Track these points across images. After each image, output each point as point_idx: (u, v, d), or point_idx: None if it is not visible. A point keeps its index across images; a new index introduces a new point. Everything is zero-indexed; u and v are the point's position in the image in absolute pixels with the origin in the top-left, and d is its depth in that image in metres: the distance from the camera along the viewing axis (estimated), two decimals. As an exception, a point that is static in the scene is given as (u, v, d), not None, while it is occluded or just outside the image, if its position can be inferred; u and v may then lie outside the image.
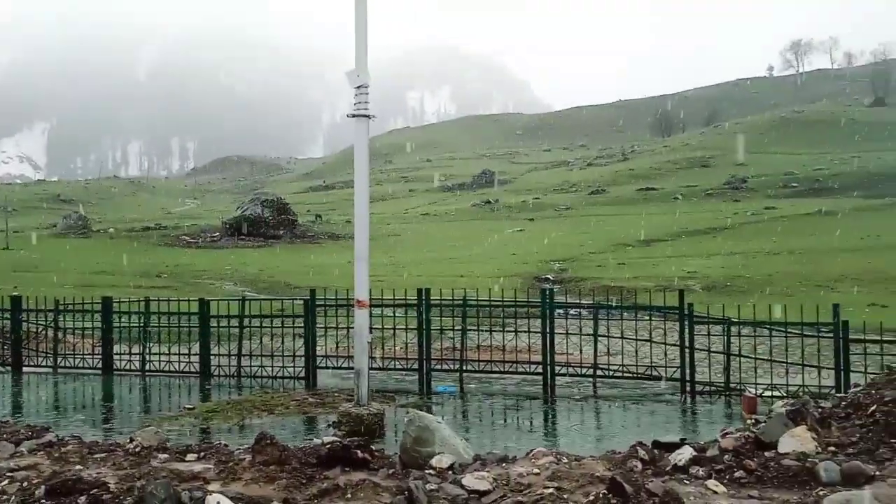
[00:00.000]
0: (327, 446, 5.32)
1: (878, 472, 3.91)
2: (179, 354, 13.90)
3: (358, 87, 9.50)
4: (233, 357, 13.75)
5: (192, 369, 13.71)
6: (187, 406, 11.22)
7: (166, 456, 5.53)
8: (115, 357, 14.30)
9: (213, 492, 4.44)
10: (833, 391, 10.13)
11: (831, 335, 11.53)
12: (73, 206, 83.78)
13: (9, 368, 14.67)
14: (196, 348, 13.81)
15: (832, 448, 4.39)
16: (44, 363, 14.83)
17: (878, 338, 11.54)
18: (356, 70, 9.51)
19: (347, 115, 9.78)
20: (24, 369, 14.63)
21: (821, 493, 3.79)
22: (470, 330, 13.45)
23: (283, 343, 13.46)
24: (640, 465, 4.60)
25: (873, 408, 4.55)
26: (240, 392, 12.54)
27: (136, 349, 14.40)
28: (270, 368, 13.37)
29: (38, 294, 15.70)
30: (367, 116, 9.59)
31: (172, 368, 13.88)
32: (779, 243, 38.93)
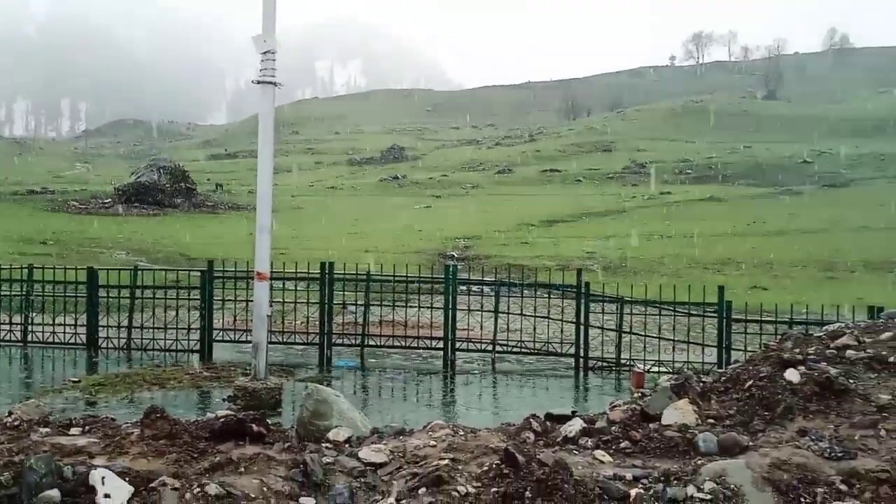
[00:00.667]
0: (221, 420, 5.18)
1: (751, 443, 4.17)
2: (65, 325, 13.23)
3: (265, 53, 9.25)
4: (123, 329, 13.20)
5: (79, 341, 13.08)
6: (72, 379, 10.72)
7: (48, 430, 5.26)
8: (-6, 327, 13.48)
9: (98, 466, 4.26)
10: (715, 367, 10.71)
11: (716, 315, 12.19)
12: (-52, 166, 77.84)
13: None
14: (83, 319, 13.17)
15: (711, 420, 4.64)
16: (-87, 333, 13.79)
17: (758, 318, 12.28)
18: (263, 35, 9.25)
19: (253, 81, 9.51)
20: None
21: (699, 462, 4.00)
22: (372, 305, 13.42)
23: (177, 315, 13.02)
24: (532, 437, 4.73)
25: (749, 382, 4.83)
26: (130, 365, 12.08)
27: (17, 319, 13.60)
28: (163, 341, 12.92)
29: None
30: (273, 83, 9.36)
31: (57, 340, 13.20)
32: (672, 227, 40.65)
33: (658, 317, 12.59)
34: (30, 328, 13.42)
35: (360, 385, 11.39)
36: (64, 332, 13.19)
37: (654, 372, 11.39)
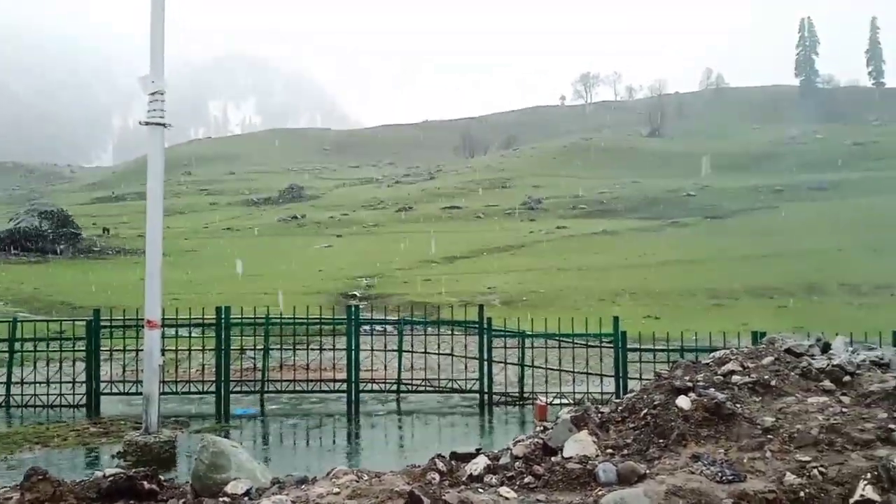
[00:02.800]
0: (109, 479, 4.90)
1: (648, 471, 4.29)
2: (-67, 385, 12.21)
3: (152, 94, 8.99)
4: (1, 385, 12.28)
5: (-50, 401, 12.08)
6: (-58, 443, 9.86)
7: None
8: None
9: (-31, 540, 3.92)
10: (613, 397, 11.02)
11: (612, 345, 12.57)
12: None
13: None
14: (-45, 377, 12.20)
15: (610, 450, 4.75)
16: None
17: (651, 346, 12.75)
18: (151, 75, 9.00)
19: (140, 122, 9.20)
20: None
21: (599, 493, 4.08)
22: (272, 349, 13.08)
23: (60, 368, 12.25)
24: (438, 478, 4.70)
25: (645, 411, 4.98)
26: (9, 424, 11.24)
27: None
28: (46, 396, 12.10)
29: None
30: (163, 125, 9.09)
31: (-76, 401, 12.14)
32: (568, 260, 41.85)
33: (558, 349, 12.86)
34: None
35: (261, 433, 11.02)
36: (-68, 393, 12.15)
37: (556, 404, 11.59)
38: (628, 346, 12.48)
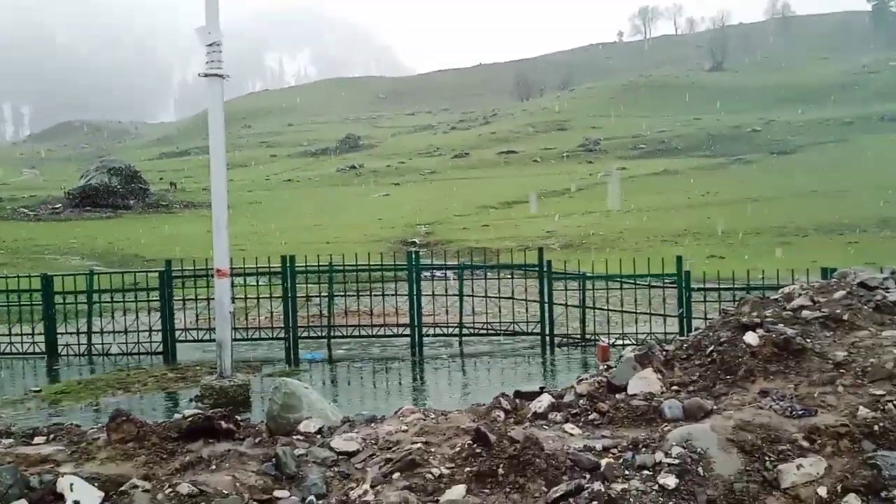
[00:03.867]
0: (189, 419, 5.13)
1: (714, 407, 4.26)
2: (22, 335, 12.92)
3: (210, 45, 9.08)
4: (82, 335, 12.93)
5: (37, 350, 12.79)
6: (33, 388, 10.48)
7: (11, 441, 5.15)
8: (-52, 341, 13.10)
9: (66, 473, 4.20)
10: (677, 336, 10.92)
11: (675, 285, 12.41)
12: None
13: None
14: (40, 327, 12.87)
15: (676, 387, 4.74)
16: None
17: (716, 286, 12.53)
18: (207, 27, 9.07)
19: (199, 75, 9.34)
20: None
21: (665, 428, 4.08)
22: (337, 296, 13.36)
23: (137, 318, 12.80)
24: (503, 415, 4.78)
25: (711, 348, 4.93)
26: (92, 371, 11.86)
27: (-30, 331, 13.25)
28: (125, 345, 12.69)
29: None
30: (221, 76, 9.20)
31: (15, 350, 12.88)
32: (629, 202, 41.17)
33: (620, 290, 12.76)
34: (-15, 340, 13.08)
35: (329, 376, 11.36)
36: (21, 342, 12.88)
37: (618, 345, 11.57)
38: (692, 286, 12.30)
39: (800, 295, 5.40)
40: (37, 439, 5.16)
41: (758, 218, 31.88)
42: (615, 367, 5.17)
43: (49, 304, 12.85)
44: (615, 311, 12.82)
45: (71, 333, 12.84)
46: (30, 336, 12.86)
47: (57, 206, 52.38)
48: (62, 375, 11.66)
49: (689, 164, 59.81)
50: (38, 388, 10.49)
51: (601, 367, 6.03)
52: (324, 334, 13.06)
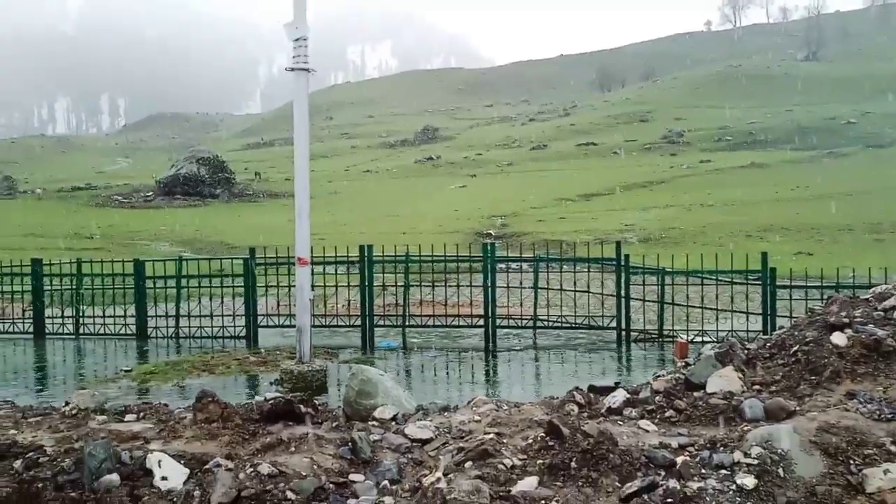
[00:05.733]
0: (270, 402, 5.31)
1: (798, 407, 4.13)
2: (115, 317, 13.61)
3: (296, 40, 9.30)
4: (170, 318, 13.51)
5: (128, 331, 13.45)
6: (124, 368, 11.03)
7: (104, 417, 5.45)
8: (48, 320, 13.91)
9: (154, 450, 4.41)
10: (760, 335, 10.58)
11: (759, 282, 12.00)
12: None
13: (-65, 335, 14.15)
14: (132, 310, 13.53)
15: (757, 386, 4.61)
16: (-28, 329, 14.34)
17: (803, 284, 12.05)
18: (294, 22, 9.30)
19: (286, 69, 9.57)
20: (-49, 335, 14.15)
21: (745, 428, 3.98)
22: (412, 285, 13.51)
23: (222, 303, 13.28)
24: (576, 409, 4.75)
25: (795, 348, 4.77)
26: (178, 353, 12.37)
27: (69, 312, 14.03)
28: (210, 329, 13.19)
29: (-38, 258, 15.08)
30: (307, 70, 9.41)
31: (107, 331, 13.58)
32: (712, 195, 39.97)
33: (700, 286, 12.43)
34: (81, 320, 13.83)
35: (403, 365, 11.51)
36: (114, 323, 13.57)
37: (697, 342, 11.29)
38: (777, 283, 11.87)
39: (892, 295, 5.15)
40: (128, 417, 5.44)
41: (850, 214, 30.42)
42: (693, 364, 5.06)
43: (141, 288, 13.48)
44: (695, 307, 12.50)
45: (160, 316, 13.45)
46: (122, 318, 13.53)
47: (148, 194, 54.79)
48: (151, 356, 12.23)
49: (779, 157, 57.57)
50: (128, 368, 11.03)
51: (679, 364, 5.90)
52: (399, 323, 13.24)
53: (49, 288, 14.26)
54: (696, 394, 4.56)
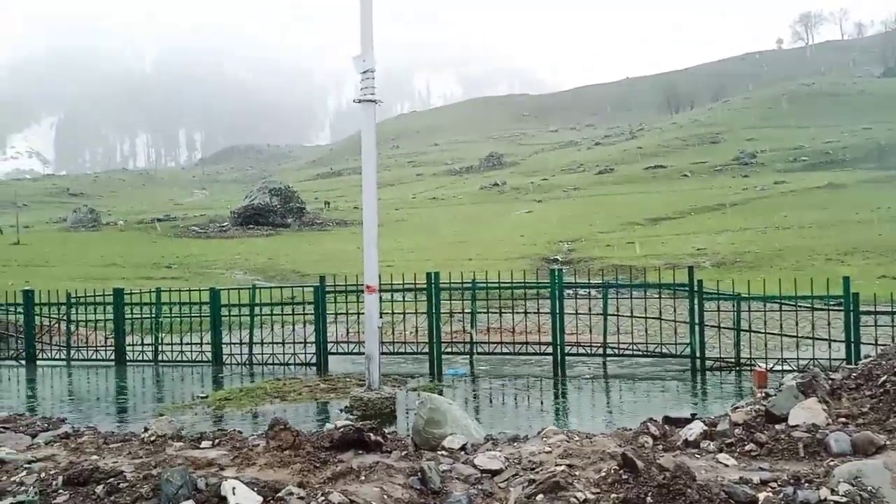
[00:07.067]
0: (340, 430, 5.36)
1: (888, 442, 3.91)
2: (191, 344, 14.02)
3: (364, 72, 9.50)
4: (244, 345, 13.84)
5: (204, 358, 13.83)
6: (200, 395, 11.31)
7: (181, 444, 5.59)
8: (128, 348, 14.44)
9: (229, 477, 4.49)
10: (844, 363, 10.10)
11: (842, 308, 11.49)
12: (82, 200, 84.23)
13: (23, 362, 14.84)
14: (207, 337, 13.91)
15: (843, 419, 4.39)
16: (57, 356, 14.98)
17: (889, 310, 11.48)
18: (362, 55, 9.50)
19: (354, 101, 9.78)
20: (38, 362, 14.82)
21: (831, 463, 3.79)
22: (479, 312, 13.48)
23: (293, 330, 13.53)
24: (650, 441, 4.62)
25: (884, 378, 4.54)
26: (252, 379, 12.62)
27: (148, 339, 14.52)
28: (282, 356, 13.45)
29: (49, 288, 15.83)
30: (374, 101, 9.59)
31: (185, 358, 14.00)
32: (788, 218, 38.72)
33: (779, 312, 11.99)
34: (160, 348, 14.30)
35: (471, 392, 11.44)
36: (191, 351, 13.97)
37: (777, 371, 10.86)
38: (861, 309, 11.34)
39: None
40: (203, 443, 5.56)
41: (938, 235, 28.96)
42: (774, 395, 4.87)
43: (216, 315, 13.86)
44: (774, 334, 12.04)
45: (234, 343, 13.78)
46: (198, 345, 13.93)
47: (224, 224, 56.57)
48: (226, 383, 12.51)
49: (858, 177, 55.43)
50: (204, 395, 11.31)
51: (758, 395, 5.69)
52: (466, 350, 13.20)
53: (130, 316, 14.82)
54: (777, 426, 4.37)
